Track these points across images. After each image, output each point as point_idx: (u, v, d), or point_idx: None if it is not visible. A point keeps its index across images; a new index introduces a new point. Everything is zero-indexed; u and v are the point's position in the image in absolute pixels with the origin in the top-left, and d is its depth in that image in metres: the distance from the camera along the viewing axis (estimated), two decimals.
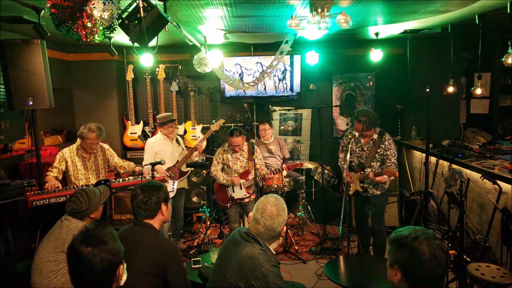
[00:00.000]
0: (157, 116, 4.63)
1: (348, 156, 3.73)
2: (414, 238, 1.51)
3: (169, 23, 2.71)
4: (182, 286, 2.25)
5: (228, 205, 4.39)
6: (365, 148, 3.90)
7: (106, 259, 1.50)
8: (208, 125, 6.00)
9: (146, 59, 5.25)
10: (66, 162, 3.76)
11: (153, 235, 2.25)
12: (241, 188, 4.40)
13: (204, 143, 5.34)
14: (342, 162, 4.14)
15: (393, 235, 1.59)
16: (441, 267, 1.48)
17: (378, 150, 3.83)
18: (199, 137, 5.77)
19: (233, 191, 4.41)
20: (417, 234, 1.52)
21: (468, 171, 4.02)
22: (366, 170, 3.84)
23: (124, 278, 1.63)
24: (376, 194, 3.92)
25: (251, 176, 4.37)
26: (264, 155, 4.93)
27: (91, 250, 1.49)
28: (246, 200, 4.46)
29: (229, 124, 5.93)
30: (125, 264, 1.65)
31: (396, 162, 3.82)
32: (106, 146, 4.06)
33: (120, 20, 2.56)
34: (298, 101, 5.98)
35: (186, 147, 4.77)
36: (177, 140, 4.62)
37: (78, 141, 3.83)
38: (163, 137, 4.53)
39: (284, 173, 4.78)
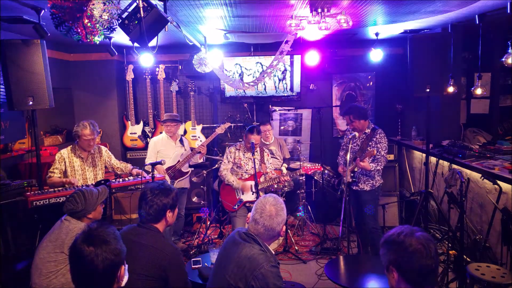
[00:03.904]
0: (165, 114, 4.72)
1: (349, 155, 3.83)
2: (399, 234, 1.58)
3: (169, 23, 2.71)
4: None
5: (236, 207, 4.16)
6: (359, 142, 4.08)
7: (108, 259, 1.51)
8: (208, 125, 6.04)
9: (146, 59, 5.25)
10: (65, 161, 3.71)
11: (156, 238, 2.23)
12: (251, 190, 4.19)
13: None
14: (340, 159, 4.33)
15: (383, 238, 1.65)
16: (432, 258, 1.52)
17: (370, 143, 4.00)
18: (199, 137, 5.77)
19: (243, 193, 4.20)
20: (402, 230, 1.60)
21: (468, 171, 4.02)
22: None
23: (125, 279, 1.64)
24: (366, 190, 4.03)
25: (262, 179, 4.18)
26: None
27: (93, 249, 1.50)
28: None
29: (229, 125, 5.92)
30: (126, 265, 1.65)
31: (385, 156, 3.98)
32: (104, 147, 4.02)
33: (120, 20, 2.56)
34: (298, 101, 5.98)
35: (191, 148, 4.76)
36: (180, 140, 4.62)
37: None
38: (166, 136, 4.56)
39: (284, 170, 4.77)
